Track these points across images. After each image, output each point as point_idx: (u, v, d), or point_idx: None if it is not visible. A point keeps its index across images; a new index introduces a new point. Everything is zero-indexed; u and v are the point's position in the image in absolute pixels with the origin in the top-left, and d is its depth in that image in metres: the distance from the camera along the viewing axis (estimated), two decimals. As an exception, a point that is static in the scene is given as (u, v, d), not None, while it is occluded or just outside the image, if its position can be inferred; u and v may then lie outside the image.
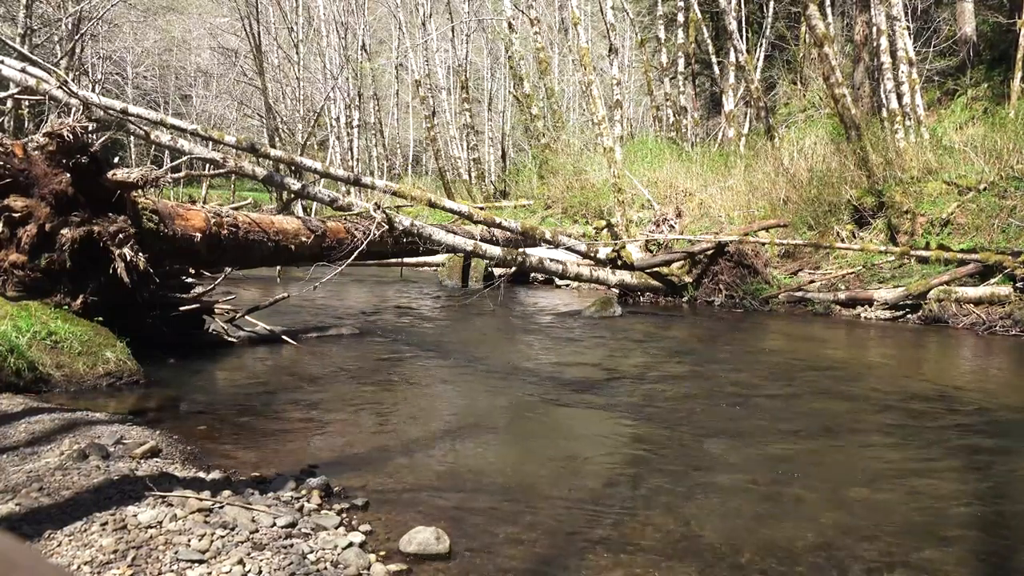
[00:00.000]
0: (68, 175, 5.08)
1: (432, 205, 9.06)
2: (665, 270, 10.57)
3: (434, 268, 13.94)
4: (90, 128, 5.78)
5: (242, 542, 2.43)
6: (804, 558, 2.58)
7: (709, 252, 10.34)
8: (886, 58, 12.52)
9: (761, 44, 20.86)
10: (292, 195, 11.72)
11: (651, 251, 11.77)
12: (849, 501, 3.13)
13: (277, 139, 24.65)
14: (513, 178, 23.51)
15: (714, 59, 19.40)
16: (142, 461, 3.24)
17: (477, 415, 4.55)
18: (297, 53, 26.61)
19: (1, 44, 10.58)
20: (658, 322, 8.89)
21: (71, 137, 5.00)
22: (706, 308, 10.01)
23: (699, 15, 18.68)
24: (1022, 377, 6.28)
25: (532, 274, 12.23)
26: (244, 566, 2.29)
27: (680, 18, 20.35)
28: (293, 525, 2.61)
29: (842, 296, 9.49)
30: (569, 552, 2.60)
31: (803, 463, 3.64)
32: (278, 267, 11.76)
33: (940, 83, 16.14)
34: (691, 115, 20.22)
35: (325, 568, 2.34)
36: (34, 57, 8.26)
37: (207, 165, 12.20)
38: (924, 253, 9.39)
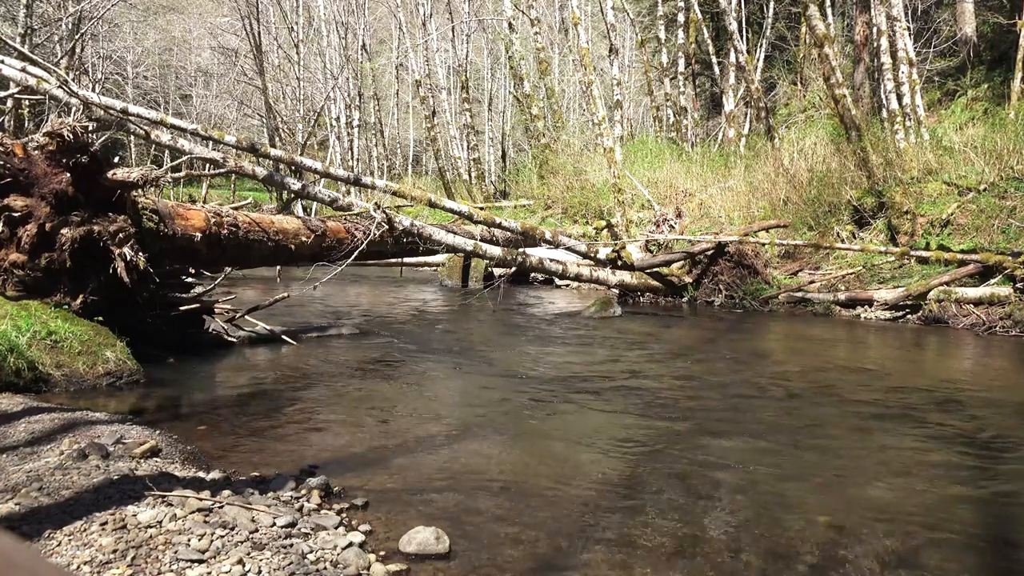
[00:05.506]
0: (68, 175, 5.08)
1: (432, 205, 9.06)
2: (665, 270, 10.56)
3: (434, 268, 13.94)
4: (90, 128, 5.78)
5: (242, 542, 2.43)
6: (804, 558, 2.58)
7: (709, 252, 10.33)
8: (886, 59, 12.52)
9: (761, 44, 20.86)
10: (292, 195, 11.73)
11: (651, 251, 11.77)
12: (850, 501, 3.13)
13: (277, 139, 24.65)
14: (513, 178, 23.52)
15: (714, 59, 19.40)
16: (142, 461, 3.24)
17: (477, 415, 4.55)
18: (297, 53, 26.62)
19: (1, 43, 10.57)
20: (658, 322, 8.88)
21: (71, 137, 4.99)
22: (706, 308, 10.01)
23: (699, 15, 18.68)
24: (1022, 377, 6.28)
25: (532, 274, 12.22)
26: (244, 566, 2.28)
27: (680, 18, 20.36)
28: (293, 525, 2.60)
29: (842, 296, 9.49)
30: (569, 552, 2.60)
31: (804, 463, 3.64)
32: (278, 267, 11.76)
33: (940, 84, 16.15)
34: (691, 115, 20.22)
35: (325, 568, 2.34)
36: (34, 56, 8.26)
37: (207, 165, 12.21)
38: (924, 254, 9.39)
